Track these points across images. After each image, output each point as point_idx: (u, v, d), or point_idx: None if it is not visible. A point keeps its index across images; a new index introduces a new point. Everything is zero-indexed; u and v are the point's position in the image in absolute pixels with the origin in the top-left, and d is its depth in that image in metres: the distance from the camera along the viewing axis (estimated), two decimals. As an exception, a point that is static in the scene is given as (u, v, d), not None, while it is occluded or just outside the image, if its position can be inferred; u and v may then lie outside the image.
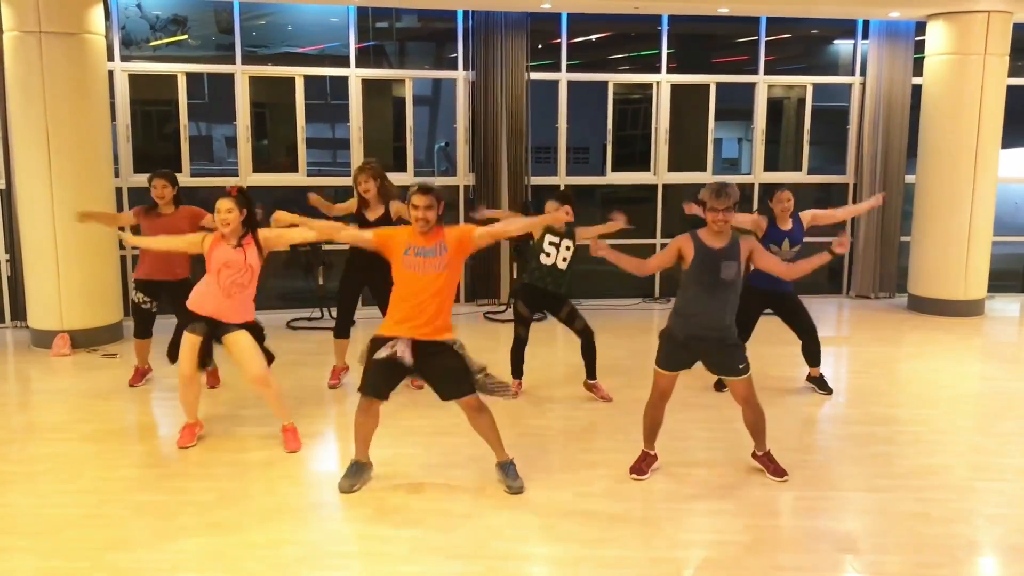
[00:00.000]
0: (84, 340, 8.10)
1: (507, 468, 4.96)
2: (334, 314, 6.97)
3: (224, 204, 5.36)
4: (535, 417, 6.26)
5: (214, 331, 5.47)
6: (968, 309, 9.81)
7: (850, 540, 4.45)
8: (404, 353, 4.68)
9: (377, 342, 4.76)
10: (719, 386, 6.78)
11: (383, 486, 4.98)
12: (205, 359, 5.59)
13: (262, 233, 5.48)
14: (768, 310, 6.70)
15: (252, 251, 5.41)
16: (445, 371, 4.78)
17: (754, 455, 5.27)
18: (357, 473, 4.99)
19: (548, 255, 6.36)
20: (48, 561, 4.13)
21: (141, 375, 6.97)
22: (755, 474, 5.19)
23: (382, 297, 6.24)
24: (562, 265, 6.38)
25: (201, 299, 5.47)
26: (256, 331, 5.57)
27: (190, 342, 5.45)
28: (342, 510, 4.76)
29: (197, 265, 5.84)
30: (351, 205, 6.63)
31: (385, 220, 6.34)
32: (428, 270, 4.70)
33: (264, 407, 6.16)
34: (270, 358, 5.66)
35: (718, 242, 4.87)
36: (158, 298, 6.69)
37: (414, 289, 4.71)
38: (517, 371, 6.67)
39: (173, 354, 5.93)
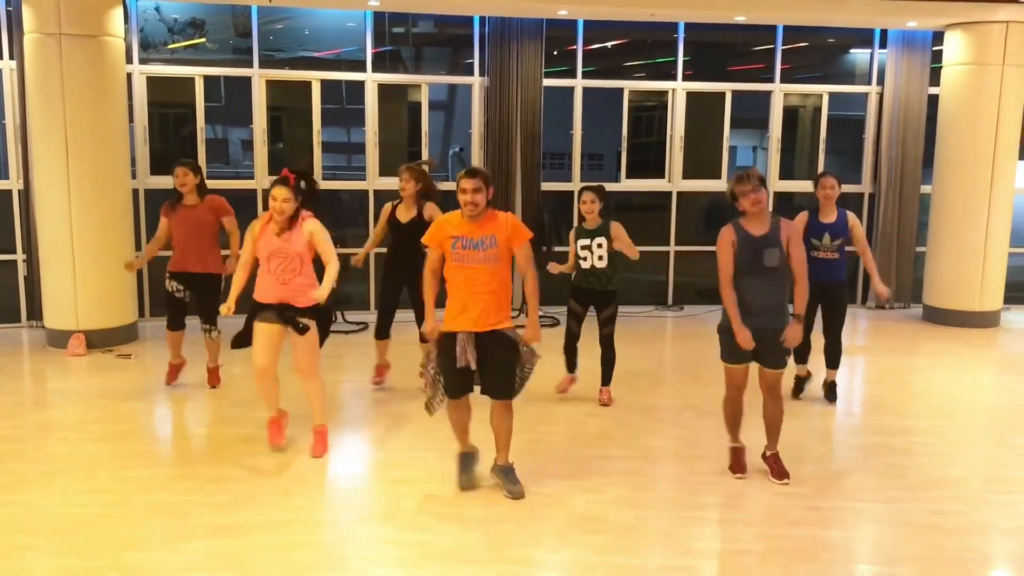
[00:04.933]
0: (99, 340, 8.15)
1: (508, 472, 4.95)
2: (348, 318, 7.01)
3: (281, 192, 5.17)
4: (548, 423, 6.25)
5: (283, 315, 5.28)
6: (984, 320, 9.75)
7: (863, 551, 4.44)
8: (471, 359, 4.70)
9: (444, 340, 4.77)
10: (796, 392, 6.80)
11: (396, 491, 4.99)
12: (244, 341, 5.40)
13: (312, 225, 5.28)
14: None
15: (298, 238, 5.22)
16: (494, 365, 4.75)
17: (764, 456, 5.29)
18: (469, 464, 5.01)
19: (584, 259, 6.39)
20: (62, 560, 4.15)
21: (176, 371, 6.92)
22: (768, 483, 5.17)
23: (417, 297, 6.41)
24: (600, 264, 6.36)
25: (262, 289, 5.32)
26: (324, 313, 5.39)
27: (264, 331, 5.28)
28: (355, 514, 4.77)
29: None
30: (377, 233, 6.86)
31: (418, 222, 6.42)
32: (476, 262, 4.67)
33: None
34: (326, 323, 5.50)
35: (759, 229, 4.92)
36: (190, 288, 6.65)
37: (466, 281, 4.69)
38: (571, 365, 6.72)
39: (237, 341, 5.50)
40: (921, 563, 4.26)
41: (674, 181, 10.50)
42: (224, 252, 6.67)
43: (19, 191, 8.83)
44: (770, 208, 5.03)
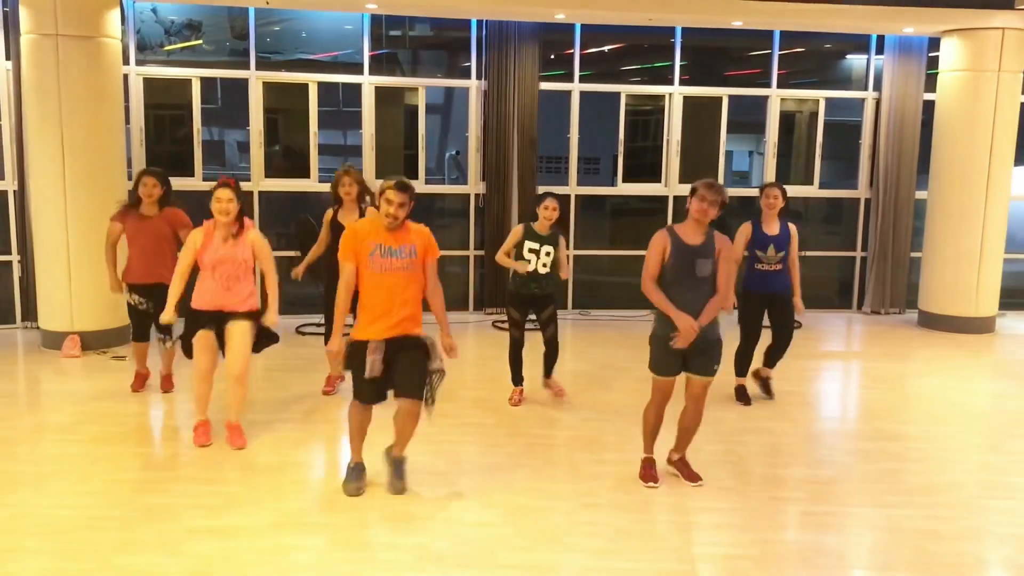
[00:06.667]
0: (94, 342, 8.13)
1: (398, 465, 4.97)
2: (318, 320, 6.95)
3: (225, 193, 5.37)
4: (542, 427, 6.25)
5: (220, 323, 5.50)
6: (979, 326, 9.77)
7: (858, 556, 4.43)
8: (376, 368, 4.71)
9: (355, 348, 4.79)
10: (742, 396, 6.76)
11: (391, 494, 4.97)
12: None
13: (254, 234, 5.54)
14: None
15: (244, 244, 5.42)
16: (407, 365, 4.75)
17: (670, 460, 5.31)
18: (361, 475, 5.00)
19: (528, 262, 6.42)
20: (56, 562, 4.13)
21: (143, 380, 6.92)
22: (763, 488, 5.18)
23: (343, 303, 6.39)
24: (543, 270, 6.44)
25: (201, 296, 5.52)
26: (258, 318, 5.57)
27: (203, 338, 5.50)
28: (349, 517, 4.75)
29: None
30: (322, 240, 6.71)
31: None
32: (397, 271, 4.72)
33: (273, 412, 6.20)
34: (272, 339, 5.67)
35: (694, 238, 4.88)
36: (152, 299, 6.56)
37: (385, 290, 4.72)
38: (517, 377, 6.72)
39: (187, 349, 5.74)
40: (916, 569, 4.26)
41: (670, 185, 10.51)
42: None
43: (15, 192, 8.80)
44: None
